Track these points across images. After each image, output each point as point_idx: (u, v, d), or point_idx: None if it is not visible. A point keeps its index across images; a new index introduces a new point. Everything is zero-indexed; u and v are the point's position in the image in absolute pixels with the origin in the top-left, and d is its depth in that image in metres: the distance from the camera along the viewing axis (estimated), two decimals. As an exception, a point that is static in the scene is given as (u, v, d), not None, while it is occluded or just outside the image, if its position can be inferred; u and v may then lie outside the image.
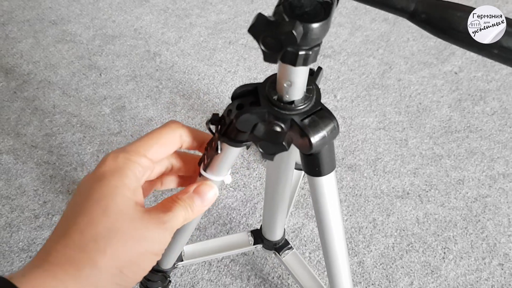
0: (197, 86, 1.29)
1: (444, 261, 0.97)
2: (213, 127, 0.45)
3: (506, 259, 0.97)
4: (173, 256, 0.78)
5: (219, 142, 0.44)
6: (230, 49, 1.40)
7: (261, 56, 1.35)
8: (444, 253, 0.98)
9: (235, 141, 0.44)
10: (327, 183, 0.47)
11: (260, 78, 1.31)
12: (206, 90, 1.28)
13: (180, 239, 0.70)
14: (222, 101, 1.25)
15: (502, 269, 0.95)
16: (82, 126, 1.19)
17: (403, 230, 1.01)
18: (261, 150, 0.42)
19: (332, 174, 0.47)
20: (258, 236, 0.85)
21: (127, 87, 1.28)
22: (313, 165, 0.45)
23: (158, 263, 0.80)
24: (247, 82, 1.29)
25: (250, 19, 1.50)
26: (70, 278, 0.30)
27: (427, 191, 1.07)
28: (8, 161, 1.12)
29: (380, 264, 0.96)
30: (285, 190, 0.64)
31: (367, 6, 1.52)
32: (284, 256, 0.85)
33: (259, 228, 0.85)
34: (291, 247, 0.85)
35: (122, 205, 0.33)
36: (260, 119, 0.41)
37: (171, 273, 0.89)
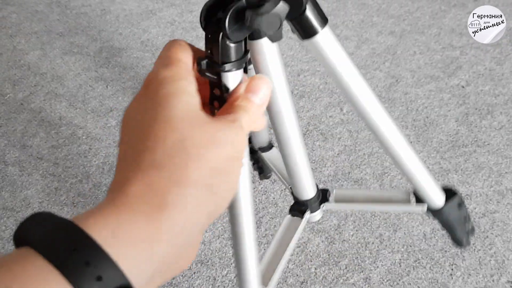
0: (203, 99, 1.29)
1: (452, 278, 0.95)
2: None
3: (515, 276, 0.96)
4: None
5: (229, 75, 0.35)
6: (236, 62, 1.40)
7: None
8: (452, 269, 0.96)
9: (239, 60, 0.36)
10: (328, 37, 0.45)
11: (266, 91, 1.31)
12: (212, 102, 1.28)
13: None
14: (228, 114, 1.25)
15: (511, 287, 0.94)
16: (88, 138, 1.19)
17: (410, 246, 1.00)
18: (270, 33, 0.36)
19: (328, 28, 0.45)
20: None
21: (133, 99, 1.28)
22: (307, 24, 0.43)
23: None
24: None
25: (256, 32, 1.51)
26: (150, 208, 0.25)
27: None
28: (14, 173, 1.12)
29: (387, 281, 0.95)
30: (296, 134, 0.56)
31: (374, 19, 1.52)
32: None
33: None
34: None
35: (186, 112, 0.28)
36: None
37: None
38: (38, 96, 1.30)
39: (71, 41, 1.46)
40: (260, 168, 0.94)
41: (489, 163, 1.14)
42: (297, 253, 0.99)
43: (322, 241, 1.00)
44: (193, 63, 0.33)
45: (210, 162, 0.27)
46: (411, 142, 1.18)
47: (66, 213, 1.05)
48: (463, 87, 1.32)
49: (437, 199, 0.70)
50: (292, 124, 0.52)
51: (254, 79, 0.33)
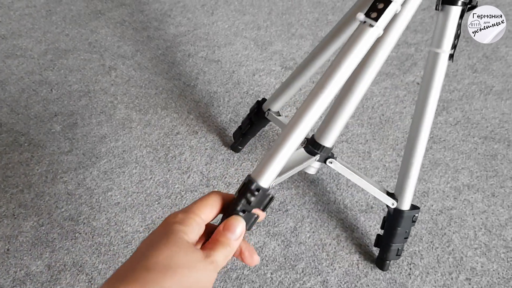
0: (154, 101, 1.24)
1: (410, 278, 0.93)
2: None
3: (473, 273, 0.94)
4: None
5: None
6: (189, 62, 1.36)
7: (222, 69, 1.32)
8: (410, 269, 0.94)
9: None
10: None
11: (220, 92, 1.27)
12: (164, 105, 1.23)
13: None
14: (180, 116, 1.20)
15: (470, 284, 0.92)
16: (30, 145, 1.12)
17: (368, 246, 0.97)
18: None
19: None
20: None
21: (80, 103, 1.22)
22: None
23: None
24: (207, 96, 1.25)
25: (210, 31, 1.46)
26: None
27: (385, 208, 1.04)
28: (-52, 184, 1.04)
29: (345, 283, 0.92)
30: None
31: (329, 17, 1.50)
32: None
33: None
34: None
35: (180, 242, 0.41)
36: None
37: None
38: (-23, 102, 1.22)
39: (14, 44, 1.39)
40: (244, 135, 1.07)
41: (445, 159, 1.13)
42: (253, 259, 0.95)
43: (278, 245, 0.97)
44: (217, 214, 0.47)
45: (183, 279, 0.39)
46: (367, 141, 1.16)
47: (6, 225, 0.98)
48: (418, 83, 1.31)
49: (406, 203, 0.87)
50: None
51: (229, 220, 0.46)
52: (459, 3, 0.67)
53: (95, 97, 1.24)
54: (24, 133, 1.15)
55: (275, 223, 1.00)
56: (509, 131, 1.21)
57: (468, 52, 1.43)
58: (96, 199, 1.02)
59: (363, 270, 0.94)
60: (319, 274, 0.93)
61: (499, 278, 0.94)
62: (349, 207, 1.03)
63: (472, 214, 1.04)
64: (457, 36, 0.72)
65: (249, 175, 0.52)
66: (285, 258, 0.95)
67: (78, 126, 1.17)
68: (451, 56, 0.73)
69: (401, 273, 0.94)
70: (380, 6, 0.55)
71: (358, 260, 0.95)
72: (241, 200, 0.49)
